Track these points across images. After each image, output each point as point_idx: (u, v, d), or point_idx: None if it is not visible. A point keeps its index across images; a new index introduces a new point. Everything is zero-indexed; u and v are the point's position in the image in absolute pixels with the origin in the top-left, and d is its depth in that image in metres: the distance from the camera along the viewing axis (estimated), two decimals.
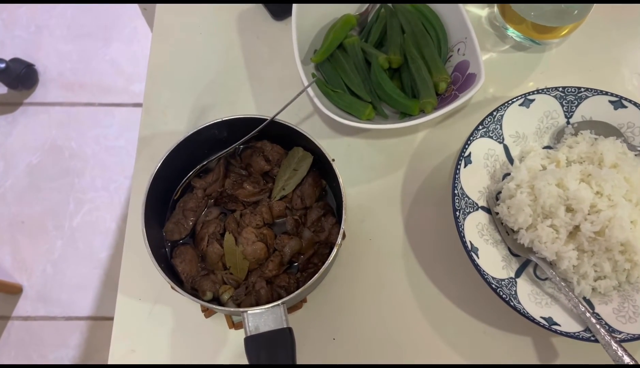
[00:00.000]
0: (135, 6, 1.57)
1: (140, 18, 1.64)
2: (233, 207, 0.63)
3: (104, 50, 1.64)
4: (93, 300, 1.35)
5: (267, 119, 0.60)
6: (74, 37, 1.66)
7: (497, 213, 0.64)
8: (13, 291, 1.37)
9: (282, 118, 0.61)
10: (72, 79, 1.60)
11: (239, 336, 0.62)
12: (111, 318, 0.58)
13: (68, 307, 1.35)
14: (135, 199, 0.67)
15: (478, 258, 0.59)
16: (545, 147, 0.68)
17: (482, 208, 0.64)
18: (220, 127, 0.61)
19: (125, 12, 1.66)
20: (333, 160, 0.59)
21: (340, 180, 0.58)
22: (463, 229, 0.60)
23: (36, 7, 1.70)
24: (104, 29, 1.66)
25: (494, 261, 0.61)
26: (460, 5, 0.67)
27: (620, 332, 0.56)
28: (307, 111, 0.72)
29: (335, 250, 0.55)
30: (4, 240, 1.43)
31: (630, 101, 0.64)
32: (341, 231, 0.56)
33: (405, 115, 0.68)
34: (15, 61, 1.56)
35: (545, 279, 0.62)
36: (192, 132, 0.60)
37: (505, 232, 0.64)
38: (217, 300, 0.59)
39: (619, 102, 0.65)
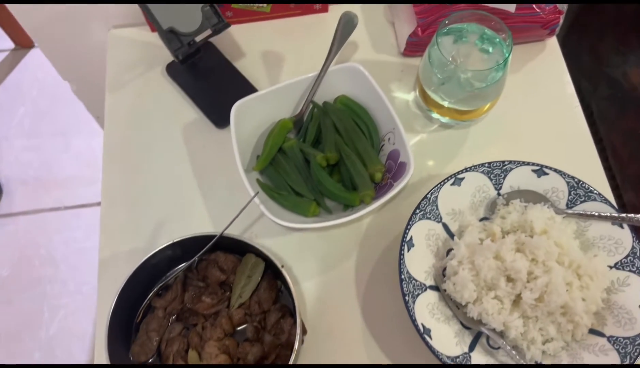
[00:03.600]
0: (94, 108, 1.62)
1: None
2: (194, 322, 0.66)
3: (64, 154, 1.67)
4: None
5: (215, 235, 0.64)
6: (33, 146, 1.69)
7: (445, 290, 0.67)
8: None
9: (234, 221, 0.65)
10: (35, 186, 1.62)
11: None
12: None
13: None
14: (100, 327, 0.69)
15: (431, 339, 0.62)
16: (482, 219, 0.72)
17: (430, 287, 0.67)
18: (173, 247, 0.65)
19: (82, 113, 1.70)
20: (282, 266, 0.62)
21: (291, 286, 0.61)
22: (414, 313, 0.63)
23: None
24: (62, 134, 1.70)
25: (448, 338, 0.64)
26: (386, 99, 0.72)
27: None
28: (259, 211, 0.76)
29: (293, 355, 0.58)
30: None
31: (550, 168, 0.70)
32: (297, 338, 0.59)
33: (348, 206, 0.72)
34: None
35: (499, 348, 0.65)
36: (145, 258, 0.63)
37: (456, 307, 0.67)
38: None
39: (540, 171, 0.70)
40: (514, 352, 0.62)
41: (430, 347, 0.61)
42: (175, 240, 0.64)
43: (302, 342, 0.67)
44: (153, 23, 0.69)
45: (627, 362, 0.60)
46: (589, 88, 1.24)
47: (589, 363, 0.62)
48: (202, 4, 0.72)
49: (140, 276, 0.64)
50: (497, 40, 0.70)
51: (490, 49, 0.71)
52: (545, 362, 0.63)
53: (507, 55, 0.67)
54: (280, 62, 0.86)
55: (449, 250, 0.70)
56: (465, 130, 0.80)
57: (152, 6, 0.68)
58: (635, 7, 1.07)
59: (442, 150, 0.79)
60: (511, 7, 0.75)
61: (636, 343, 0.61)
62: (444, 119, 0.78)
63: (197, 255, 0.65)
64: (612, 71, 1.16)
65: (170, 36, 0.72)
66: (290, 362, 0.58)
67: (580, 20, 1.23)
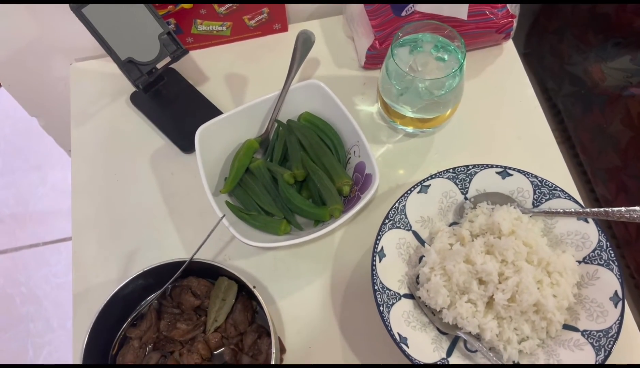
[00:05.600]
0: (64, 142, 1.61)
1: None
2: (172, 349, 0.65)
3: (40, 189, 1.66)
4: None
5: (185, 261, 0.63)
6: (8, 183, 1.68)
7: (420, 297, 0.68)
8: None
9: (207, 245, 0.66)
10: (12, 225, 1.60)
11: None
12: None
13: None
14: (76, 362, 0.68)
15: (408, 347, 0.62)
16: (451, 224, 0.73)
17: (405, 296, 0.68)
18: (144, 276, 0.64)
19: (55, 148, 1.69)
20: (254, 287, 0.62)
21: (264, 306, 0.61)
22: (389, 322, 0.63)
23: None
24: (37, 168, 1.69)
25: (425, 345, 0.64)
26: (348, 113, 0.73)
27: None
28: (231, 233, 0.76)
29: None
30: None
31: (514, 169, 0.71)
32: (273, 357, 0.59)
33: (319, 221, 0.72)
34: None
35: (476, 351, 0.65)
36: (115, 290, 0.62)
37: (432, 313, 0.67)
38: None
39: (504, 172, 0.71)
40: (491, 353, 0.63)
41: (407, 355, 0.61)
42: (145, 269, 0.64)
43: (281, 360, 0.67)
44: (110, 55, 0.70)
45: (602, 355, 0.61)
46: (555, 87, 1.27)
47: (566, 359, 0.62)
48: (160, 32, 0.73)
49: (113, 308, 0.63)
50: (452, 47, 0.72)
51: (446, 57, 0.72)
52: (522, 362, 0.64)
53: (462, 61, 0.69)
54: (244, 83, 0.87)
55: (421, 258, 0.71)
56: (430, 138, 0.81)
57: (108, 38, 0.68)
58: (589, 6, 1.10)
59: (409, 158, 0.80)
60: (463, 15, 0.76)
61: (609, 335, 0.62)
62: (408, 129, 0.78)
63: (169, 282, 0.65)
64: (574, 69, 1.18)
65: (129, 66, 0.72)
66: None
67: (540, 22, 1.26)
